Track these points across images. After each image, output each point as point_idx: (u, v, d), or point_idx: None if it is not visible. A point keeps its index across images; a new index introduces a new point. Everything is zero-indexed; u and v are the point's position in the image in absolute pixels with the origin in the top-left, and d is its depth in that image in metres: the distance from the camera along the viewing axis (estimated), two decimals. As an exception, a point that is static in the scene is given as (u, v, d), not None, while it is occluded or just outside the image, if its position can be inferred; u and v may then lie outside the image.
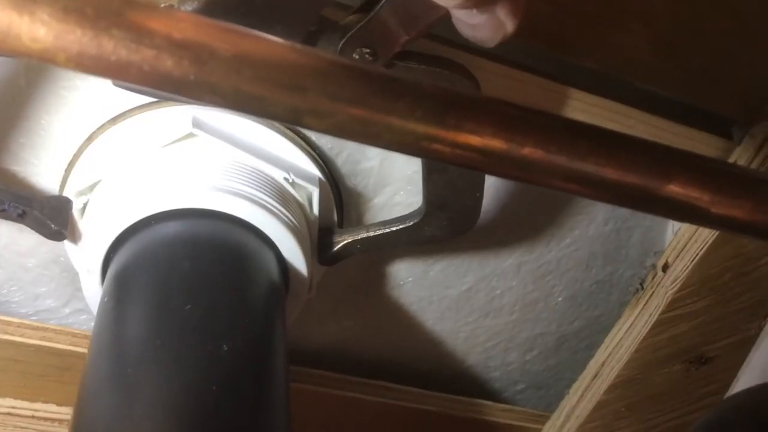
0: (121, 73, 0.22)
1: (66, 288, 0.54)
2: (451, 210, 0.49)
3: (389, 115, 0.25)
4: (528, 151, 0.26)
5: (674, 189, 0.28)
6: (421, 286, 0.62)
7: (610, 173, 0.27)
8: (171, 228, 0.42)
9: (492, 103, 0.26)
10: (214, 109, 0.47)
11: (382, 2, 0.38)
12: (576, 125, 0.27)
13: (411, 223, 0.50)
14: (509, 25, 0.31)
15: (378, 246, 0.51)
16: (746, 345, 0.61)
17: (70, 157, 0.47)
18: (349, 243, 0.51)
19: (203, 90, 0.23)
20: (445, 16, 0.33)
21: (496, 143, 0.26)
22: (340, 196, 0.54)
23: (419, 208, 0.50)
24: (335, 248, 0.51)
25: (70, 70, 0.22)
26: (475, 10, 0.29)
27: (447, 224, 0.50)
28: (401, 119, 0.25)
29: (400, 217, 0.51)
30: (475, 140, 0.26)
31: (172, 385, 0.32)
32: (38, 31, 0.21)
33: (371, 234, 0.51)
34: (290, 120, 0.24)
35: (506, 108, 0.26)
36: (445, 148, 0.26)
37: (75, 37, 0.21)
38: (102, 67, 0.22)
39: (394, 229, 0.51)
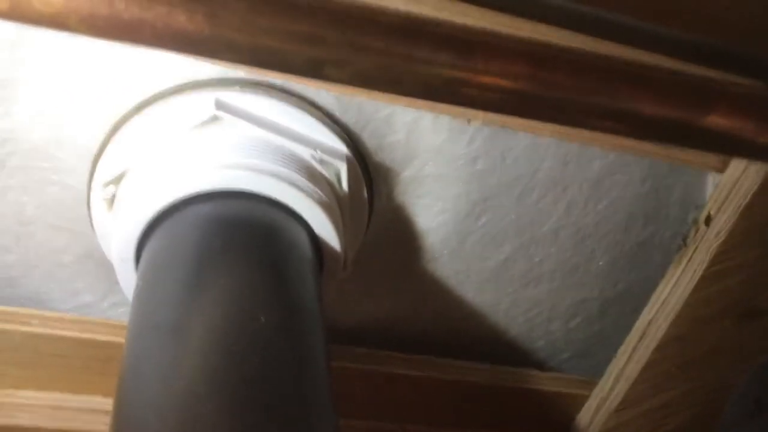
0: (135, 33, 0.22)
1: (103, 282, 0.54)
2: None
3: (411, 59, 0.24)
4: (560, 89, 0.25)
5: (716, 120, 0.27)
6: (457, 258, 0.61)
7: (647, 107, 0.26)
8: (201, 210, 0.42)
9: (519, 42, 0.25)
10: (237, 90, 0.47)
11: None
12: (608, 60, 0.26)
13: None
14: None
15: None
16: (799, 295, 0.59)
17: (97, 149, 0.47)
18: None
19: (219, 46, 0.22)
20: None
21: (527, 84, 0.25)
22: (368, 172, 0.53)
23: None
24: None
25: (83, 35, 0.22)
26: None
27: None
28: (424, 63, 0.24)
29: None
30: (504, 82, 0.25)
31: (213, 358, 0.32)
32: (48, -7, 0.21)
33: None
34: (310, 72, 0.24)
35: (534, 46, 0.25)
36: (473, 91, 0.25)
37: (85, -2, 0.21)
38: (114, 27, 0.22)
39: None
